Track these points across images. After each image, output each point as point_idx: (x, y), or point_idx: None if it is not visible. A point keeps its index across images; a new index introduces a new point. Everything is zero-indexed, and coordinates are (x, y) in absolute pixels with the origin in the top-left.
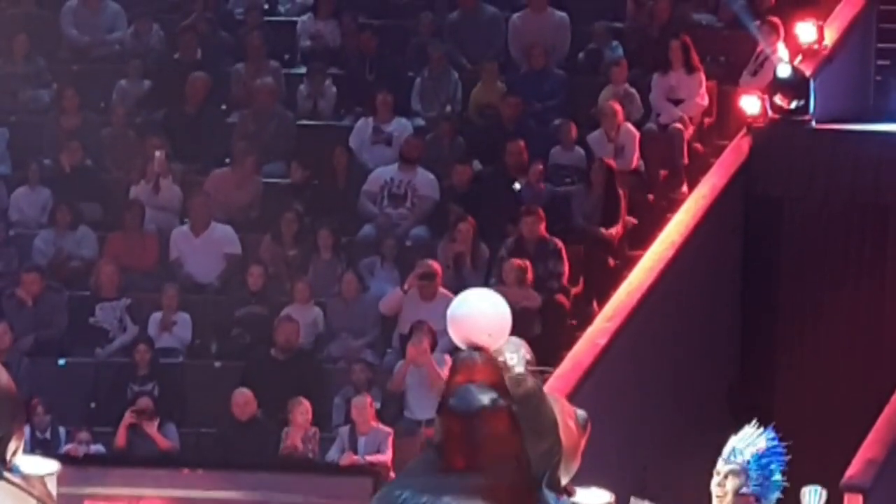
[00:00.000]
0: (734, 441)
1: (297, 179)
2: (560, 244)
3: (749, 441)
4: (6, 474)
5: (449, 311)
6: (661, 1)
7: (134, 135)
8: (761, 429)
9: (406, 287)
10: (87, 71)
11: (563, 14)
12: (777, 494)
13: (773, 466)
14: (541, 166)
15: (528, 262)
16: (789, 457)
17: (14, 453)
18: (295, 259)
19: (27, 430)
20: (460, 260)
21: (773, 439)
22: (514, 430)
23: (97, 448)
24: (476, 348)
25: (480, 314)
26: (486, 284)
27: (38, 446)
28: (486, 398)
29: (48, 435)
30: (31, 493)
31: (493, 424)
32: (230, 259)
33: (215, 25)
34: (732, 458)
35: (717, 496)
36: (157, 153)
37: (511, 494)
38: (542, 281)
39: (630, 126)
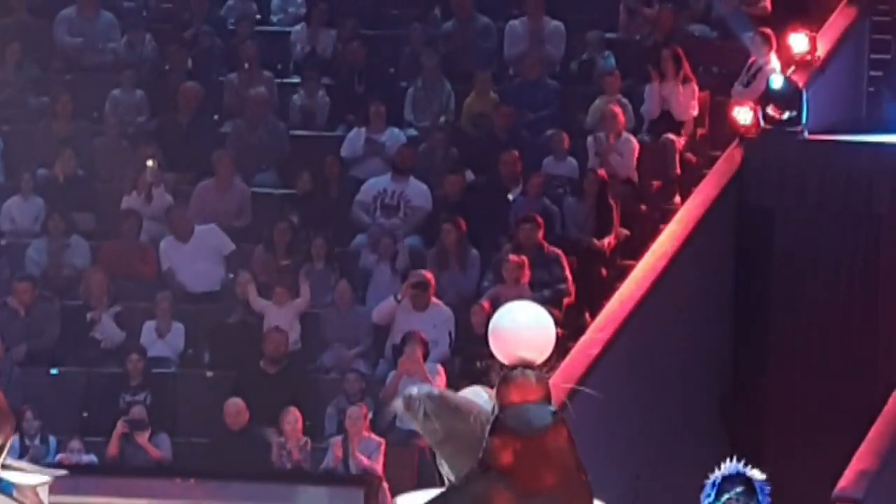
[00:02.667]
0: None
1: (301, 189)
2: (558, 251)
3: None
4: None
5: (492, 324)
6: (659, 11)
7: (127, 144)
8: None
9: (399, 297)
10: (80, 80)
11: (559, 23)
12: None
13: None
14: (540, 178)
15: (525, 259)
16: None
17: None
18: (287, 269)
19: (17, 438)
20: (445, 261)
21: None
22: (572, 442)
23: (89, 458)
24: (522, 365)
25: (526, 328)
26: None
27: (28, 455)
28: (548, 415)
29: (38, 444)
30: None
31: (558, 439)
32: (229, 258)
33: (209, 36)
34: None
35: None
36: (150, 163)
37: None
38: (542, 287)
39: (630, 136)
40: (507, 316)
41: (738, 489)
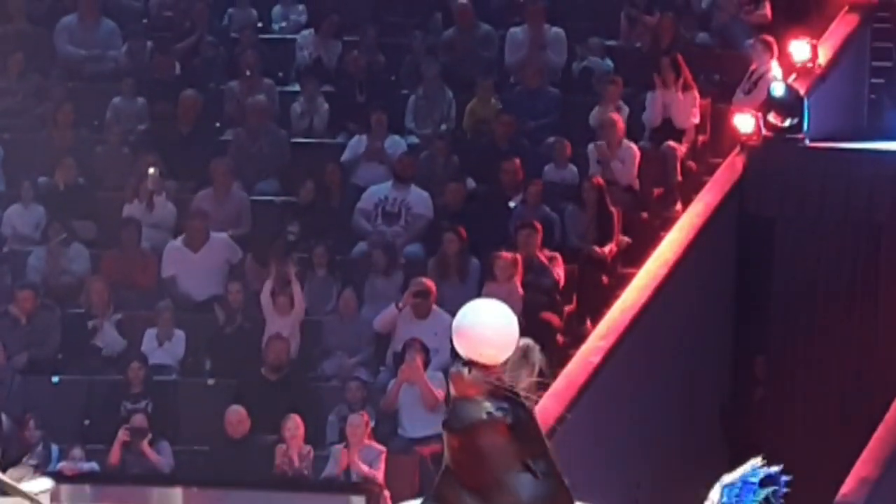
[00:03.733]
0: (724, 479)
1: (303, 198)
2: (556, 258)
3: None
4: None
5: (455, 322)
6: (659, 19)
7: (127, 152)
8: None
9: (401, 305)
10: (81, 88)
11: (560, 30)
12: None
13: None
14: (539, 185)
15: (518, 257)
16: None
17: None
18: (289, 277)
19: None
20: (446, 270)
21: (755, 473)
22: (515, 440)
23: (90, 465)
24: (473, 362)
25: (485, 327)
26: (477, 297)
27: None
28: (480, 412)
29: (40, 452)
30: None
31: (490, 437)
32: (234, 267)
33: (211, 43)
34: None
35: None
36: (151, 171)
37: None
38: (538, 293)
39: (631, 144)
40: (470, 314)
41: (771, 489)
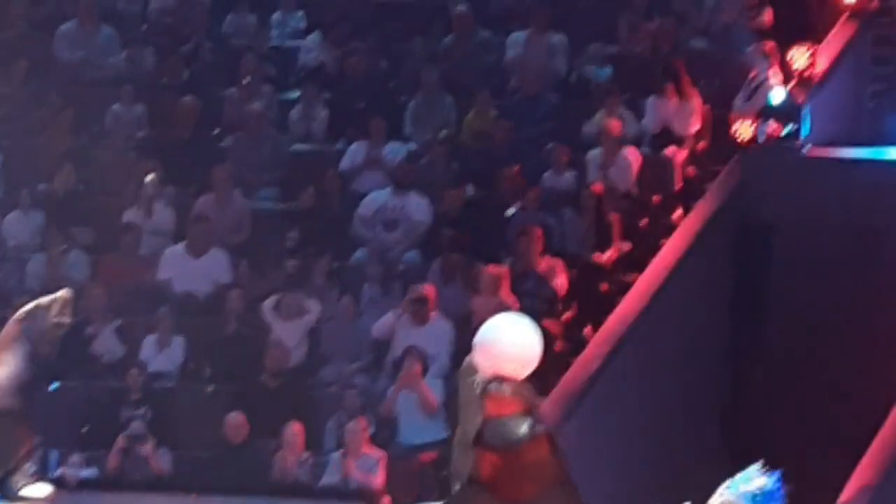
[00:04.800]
0: (737, 476)
1: (303, 205)
2: (553, 267)
3: (750, 478)
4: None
5: (478, 337)
6: (659, 25)
7: (127, 158)
8: (767, 471)
9: (399, 311)
10: (80, 94)
11: (561, 36)
12: None
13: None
14: (537, 192)
15: (505, 270)
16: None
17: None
18: (287, 283)
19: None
20: (450, 277)
21: (776, 483)
22: (555, 453)
23: (90, 471)
24: (502, 379)
25: (509, 343)
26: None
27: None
28: (524, 429)
29: (39, 458)
30: None
31: (535, 452)
32: (219, 287)
33: (210, 50)
34: (730, 490)
35: None
36: (150, 177)
37: None
38: (534, 303)
39: (629, 150)
40: (495, 330)
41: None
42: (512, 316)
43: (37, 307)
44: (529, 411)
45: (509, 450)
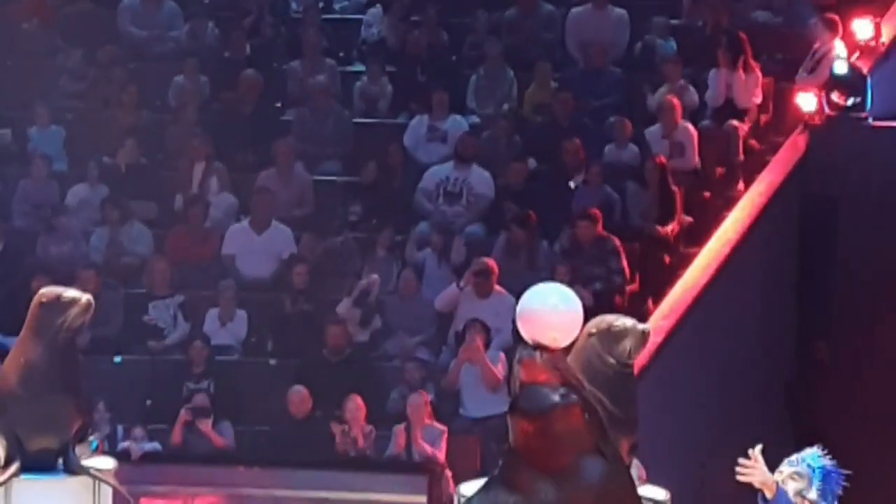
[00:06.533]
0: (801, 453)
1: (366, 178)
2: (616, 241)
3: (816, 455)
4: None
5: (519, 306)
6: None
7: (190, 132)
8: (827, 454)
9: (462, 284)
10: (143, 69)
11: (622, 11)
12: None
13: (833, 483)
14: (598, 167)
15: (572, 267)
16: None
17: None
18: (351, 257)
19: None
20: (515, 253)
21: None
22: (587, 423)
23: (152, 445)
24: (540, 347)
25: (552, 311)
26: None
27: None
28: (554, 397)
29: (105, 432)
30: (106, 482)
31: (566, 422)
32: (283, 262)
33: (272, 24)
34: (799, 463)
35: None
36: (213, 151)
37: (610, 490)
38: (601, 279)
39: (689, 125)
40: (535, 298)
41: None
42: (552, 284)
43: (59, 298)
44: (563, 381)
45: (540, 417)
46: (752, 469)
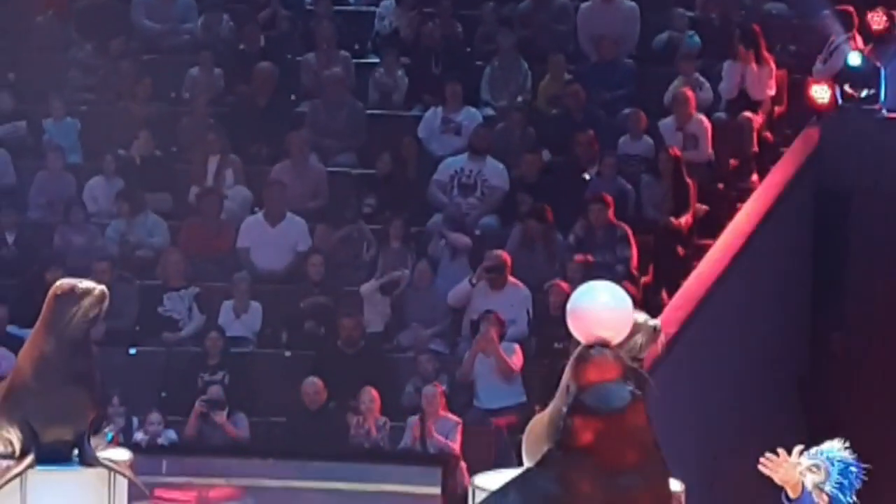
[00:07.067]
0: (821, 446)
1: (381, 170)
2: (627, 229)
3: (836, 449)
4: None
5: (569, 305)
6: None
7: (204, 124)
8: (847, 447)
9: (474, 280)
10: (158, 61)
11: (633, 4)
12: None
13: (852, 477)
14: (612, 159)
15: (590, 257)
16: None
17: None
18: (368, 248)
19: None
20: (530, 245)
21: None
22: (650, 418)
23: (169, 434)
24: (599, 344)
25: (604, 309)
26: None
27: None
28: (626, 394)
29: (119, 423)
30: (121, 473)
31: (637, 417)
32: (298, 255)
33: (286, 16)
34: (818, 455)
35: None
36: (227, 143)
37: (664, 484)
38: (609, 268)
39: (702, 117)
40: (587, 295)
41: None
42: (604, 282)
43: (74, 290)
44: (627, 376)
45: (613, 414)
46: (778, 465)
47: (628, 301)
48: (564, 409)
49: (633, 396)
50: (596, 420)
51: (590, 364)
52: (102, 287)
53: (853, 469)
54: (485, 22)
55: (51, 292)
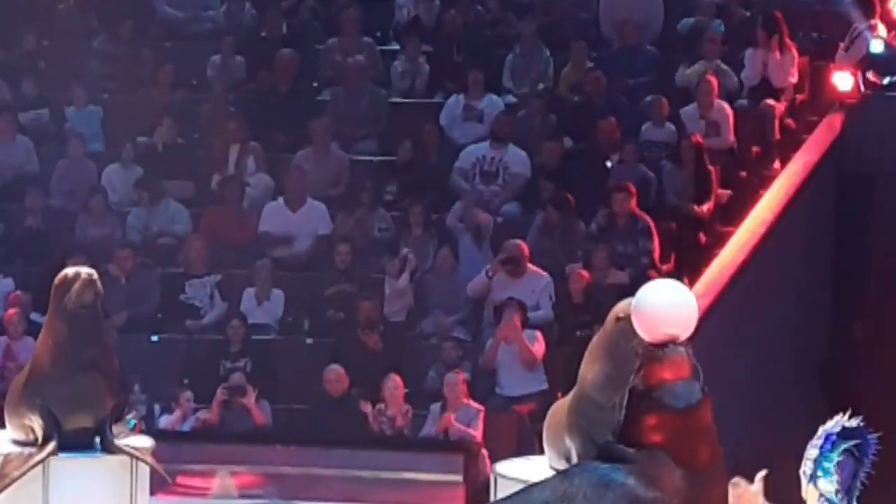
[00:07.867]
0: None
1: (402, 157)
2: (649, 221)
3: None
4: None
5: (634, 304)
6: None
7: (225, 112)
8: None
9: (490, 273)
10: (179, 49)
11: None
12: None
13: (853, 476)
14: (634, 146)
15: (609, 250)
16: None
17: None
18: (386, 236)
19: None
20: (551, 233)
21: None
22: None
23: (190, 423)
24: (668, 342)
25: (670, 307)
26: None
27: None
28: (698, 391)
29: (142, 411)
30: (143, 460)
31: (706, 415)
32: (320, 239)
33: (309, 3)
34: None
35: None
36: (249, 131)
37: (727, 483)
38: (632, 258)
39: (724, 104)
40: (653, 294)
41: (853, 442)
42: (664, 280)
43: (66, 277)
44: (698, 374)
45: (690, 412)
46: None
47: (693, 297)
48: (616, 406)
49: (703, 394)
50: (673, 418)
51: (664, 363)
52: (90, 270)
53: (850, 464)
54: (506, 10)
55: (54, 283)
